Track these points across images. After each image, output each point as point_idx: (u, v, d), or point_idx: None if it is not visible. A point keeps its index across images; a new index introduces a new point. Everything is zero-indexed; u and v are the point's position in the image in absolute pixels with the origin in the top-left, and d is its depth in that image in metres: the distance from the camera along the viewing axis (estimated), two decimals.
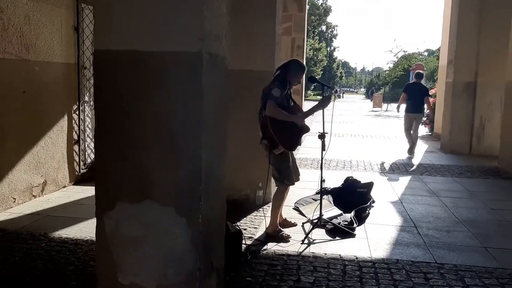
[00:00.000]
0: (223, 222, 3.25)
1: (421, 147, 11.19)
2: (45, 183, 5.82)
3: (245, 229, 4.59)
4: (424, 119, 13.12)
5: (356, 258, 4.01)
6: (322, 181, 4.68)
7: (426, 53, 59.50)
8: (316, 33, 57.09)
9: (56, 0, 5.84)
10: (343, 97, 55.08)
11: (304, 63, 5.28)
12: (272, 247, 4.22)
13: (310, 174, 7.25)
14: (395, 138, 13.16)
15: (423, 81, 11.38)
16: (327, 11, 65.81)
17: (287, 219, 4.88)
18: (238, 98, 4.84)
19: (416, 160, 9.44)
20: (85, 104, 6.57)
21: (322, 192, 4.80)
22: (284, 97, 4.33)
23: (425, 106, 10.15)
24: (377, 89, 51.29)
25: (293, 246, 4.26)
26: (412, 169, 8.48)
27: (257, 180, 5.48)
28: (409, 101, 10.00)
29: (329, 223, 4.73)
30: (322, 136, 4.48)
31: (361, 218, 5.08)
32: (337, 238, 4.52)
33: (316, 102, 4.59)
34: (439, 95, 12.81)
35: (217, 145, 2.91)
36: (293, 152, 4.57)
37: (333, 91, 5.27)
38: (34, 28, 5.48)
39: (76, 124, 6.41)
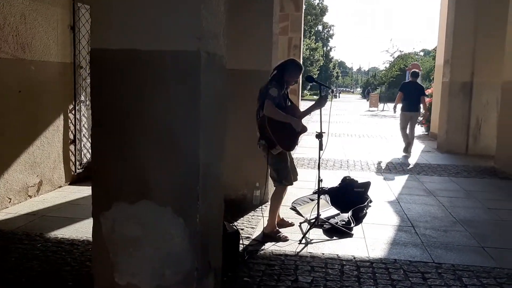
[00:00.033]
0: (221, 222, 3.24)
1: (418, 147, 11.22)
2: (41, 183, 5.78)
3: (242, 229, 4.58)
4: (420, 118, 13.15)
5: (354, 258, 4.00)
6: (320, 180, 4.67)
7: (422, 53, 59.71)
8: (312, 33, 57.14)
9: None
10: (339, 97, 55.18)
11: (301, 62, 5.27)
12: (269, 247, 4.21)
13: (307, 173, 7.23)
14: (392, 138, 13.18)
15: (419, 80, 11.39)
16: (323, 11, 65.88)
17: (284, 219, 4.87)
18: (235, 97, 4.83)
19: (412, 160, 9.45)
20: (81, 104, 6.54)
21: (320, 191, 4.79)
22: (282, 96, 4.32)
23: (421, 105, 10.18)
24: (374, 89, 51.34)
25: (290, 246, 4.25)
26: (408, 168, 8.49)
27: (254, 180, 5.47)
28: (405, 99, 10.03)
29: (327, 223, 4.72)
30: (319, 135, 4.47)
31: (358, 217, 5.08)
32: (334, 238, 4.51)
33: (313, 102, 4.58)
34: (436, 95, 12.84)
35: (215, 144, 2.90)
36: (291, 152, 4.56)
37: (329, 91, 5.26)
38: (30, 27, 5.45)
39: (72, 124, 6.37)
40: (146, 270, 2.69)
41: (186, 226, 2.63)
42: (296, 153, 8.96)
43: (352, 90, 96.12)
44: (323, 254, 4.07)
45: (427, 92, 12.93)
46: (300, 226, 4.83)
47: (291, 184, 4.51)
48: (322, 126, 4.50)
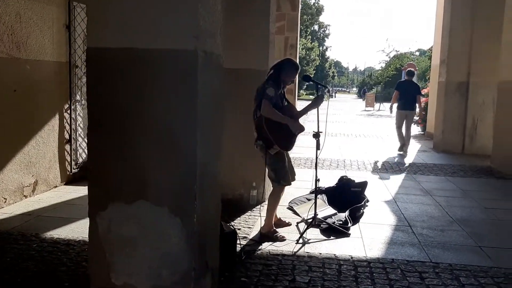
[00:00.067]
0: (218, 221, 3.22)
1: (414, 146, 11.23)
2: (36, 183, 5.75)
3: (239, 229, 4.56)
4: (417, 118, 13.17)
5: (351, 257, 4.00)
6: (317, 180, 4.66)
7: (417, 53, 59.86)
8: (308, 33, 57.22)
9: None
10: (335, 97, 55.28)
11: (297, 62, 5.26)
12: (266, 247, 4.20)
13: (304, 173, 7.22)
14: (388, 137, 13.20)
15: (414, 80, 11.42)
16: (319, 10, 65.99)
17: (282, 218, 4.85)
18: (232, 97, 4.81)
19: (409, 159, 9.46)
20: (77, 103, 6.50)
21: (317, 191, 4.77)
22: (279, 96, 4.30)
23: (417, 105, 10.21)
24: (369, 88, 51.49)
25: (287, 246, 4.24)
26: (405, 167, 8.50)
27: (251, 180, 5.46)
28: (401, 98, 10.05)
29: (324, 223, 4.71)
30: (316, 135, 4.46)
31: (355, 217, 5.07)
32: (331, 237, 4.51)
33: (309, 102, 4.56)
34: (432, 95, 12.87)
35: (212, 143, 2.88)
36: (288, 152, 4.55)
37: (325, 90, 5.25)
38: (25, 26, 5.41)
39: (68, 123, 6.34)
40: (143, 270, 2.67)
41: (183, 226, 2.61)
42: (293, 153, 8.94)
43: (348, 90, 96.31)
44: (320, 254, 4.06)
45: (423, 92, 12.95)
46: (297, 226, 4.82)
47: (289, 184, 4.50)
48: (319, 126, 4.49)
